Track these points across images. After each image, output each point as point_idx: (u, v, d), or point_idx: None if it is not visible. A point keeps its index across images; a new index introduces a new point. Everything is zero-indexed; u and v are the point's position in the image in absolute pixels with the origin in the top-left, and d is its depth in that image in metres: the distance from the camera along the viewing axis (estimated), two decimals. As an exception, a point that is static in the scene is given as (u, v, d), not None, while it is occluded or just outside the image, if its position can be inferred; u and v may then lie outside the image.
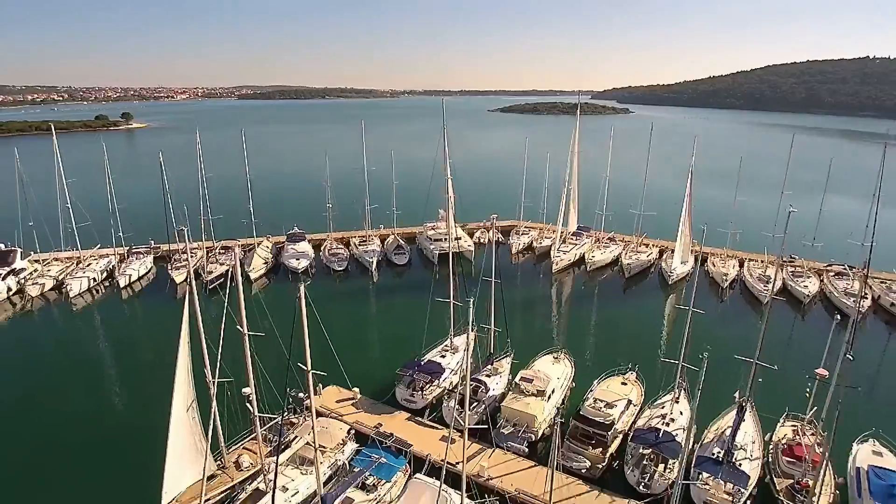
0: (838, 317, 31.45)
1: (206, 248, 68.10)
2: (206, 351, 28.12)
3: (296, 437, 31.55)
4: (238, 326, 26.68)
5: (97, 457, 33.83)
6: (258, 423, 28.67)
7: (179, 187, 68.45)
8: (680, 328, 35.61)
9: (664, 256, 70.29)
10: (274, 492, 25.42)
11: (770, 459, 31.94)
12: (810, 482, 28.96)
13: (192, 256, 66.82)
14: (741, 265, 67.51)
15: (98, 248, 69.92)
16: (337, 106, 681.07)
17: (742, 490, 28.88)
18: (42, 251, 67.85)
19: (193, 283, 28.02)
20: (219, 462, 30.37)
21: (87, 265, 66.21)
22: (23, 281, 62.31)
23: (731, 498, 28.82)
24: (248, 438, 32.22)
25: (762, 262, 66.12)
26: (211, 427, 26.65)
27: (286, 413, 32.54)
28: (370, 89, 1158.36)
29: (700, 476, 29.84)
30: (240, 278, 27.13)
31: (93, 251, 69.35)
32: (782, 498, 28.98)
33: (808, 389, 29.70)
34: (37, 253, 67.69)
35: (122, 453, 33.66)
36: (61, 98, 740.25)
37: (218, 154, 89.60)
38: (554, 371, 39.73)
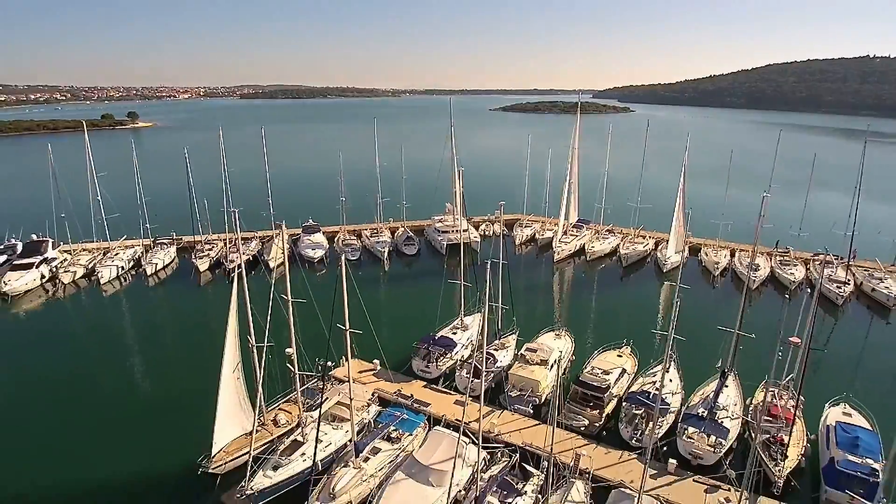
0: (808, 290, 35.33)
1: (228, 238, 71.94)
2: (251, 320, 32.02)
3: (327, 397, 35.46)
4: (282, 295, 30.58)
5: (150, 419, 38.00)
6: (298, 380, 32.57)
7: (199, 182, 72.35)
8: (671, 308, 39.38)
9: (659, 247, 74.06)
10: (317, 440, 29.46)
11: (749, 418, 35.86)
12: (784, 437, 32.88)
13: (215, 245, 72.11)
14: (732, 255, 71.28)
15: (124, 238, 73.98)
16: (341, 105, 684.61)
17: (722, 442, 32.87)
18: (72, 242, 71.96)
19: (243, 265, 31.67)
20: (259, 419, 34.29)
21: (116, 254, 70.21)
22: (55, 269, 66.32)
23: (712, 449, 32.75)
24: (283, 400, 36.29)
25: (752, 251, 69.75)
26: (259, 386, 30.55)
27: (318, 377, 36.45)
28: (372, 88, 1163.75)
29: (686, 430, 33.76)
30: (285, 254, 30.95)
31: (119, 242, 73.41)
32: (759, 450, 32.84)
33: (779, 355, 33.51)
34: (67, 243, 71.86)
35: (172, 415, 37.84)
36: (64, 97, 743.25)
37: (232, 151, 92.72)
38: (556, 345, 43.71)
